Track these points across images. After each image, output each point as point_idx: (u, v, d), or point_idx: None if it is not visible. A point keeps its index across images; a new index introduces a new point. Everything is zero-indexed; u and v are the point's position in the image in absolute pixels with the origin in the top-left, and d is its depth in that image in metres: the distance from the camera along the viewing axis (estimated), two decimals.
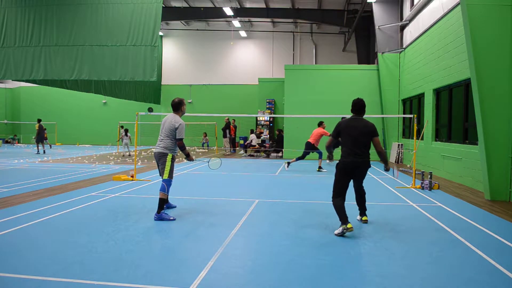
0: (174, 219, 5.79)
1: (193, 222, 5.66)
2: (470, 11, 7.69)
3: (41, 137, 19.28)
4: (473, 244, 4.70)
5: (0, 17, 13.18)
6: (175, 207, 6.63)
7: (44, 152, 19.18)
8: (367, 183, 10.09)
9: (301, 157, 12.56)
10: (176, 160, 6.06)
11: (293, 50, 25.55)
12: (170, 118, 6.03)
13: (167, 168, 5.89)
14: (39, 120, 19.94)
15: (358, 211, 5.90)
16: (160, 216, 5.78)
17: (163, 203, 5.87)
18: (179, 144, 5.94)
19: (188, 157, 6.14)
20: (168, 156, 5.92)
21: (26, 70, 12.95)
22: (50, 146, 23.34)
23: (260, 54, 26.08)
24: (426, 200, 7.70)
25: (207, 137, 23.23)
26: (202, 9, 22.60)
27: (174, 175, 6.13)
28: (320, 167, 12.75)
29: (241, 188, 9.17)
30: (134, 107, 25.00)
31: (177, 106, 6.13)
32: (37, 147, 19.32)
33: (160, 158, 5.95)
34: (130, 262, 3.96)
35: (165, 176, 5.90)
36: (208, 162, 7.01)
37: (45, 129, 20.05)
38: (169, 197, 6.47)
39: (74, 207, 6.55)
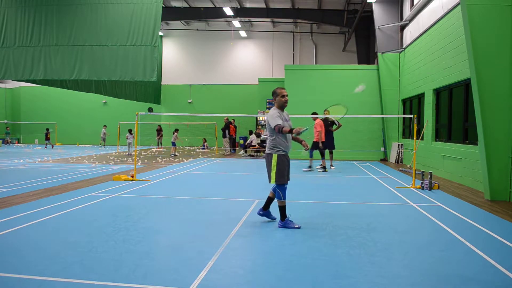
0: (299, 227, 5.33)
1: (193, 222, 5.66)
2: (470, 11, 7.69)
3: None
4: (473, 244, 4.70)
5: (0, 17, 13.18)
6: (274, 219, 5.79)
7: None
8: (367, 183, 10.13)
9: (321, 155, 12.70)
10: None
11: (293, 50, 25.56)
12: None
13: (272, 170, 5.31)
14: None
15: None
16: (284, 224, 5.40)
17: (283, 210, 5.42)
18: (277, 130, 5.20)
19: (291, 132, 5.18)
20: (272, 156, 5.33)
21: (26, 70, 12.95)
22: (49, 146, 23.33)
23: (260, 54, 26.09)
24: (426, 200, 7.69)
25: (206, 143, 23.20)
26: (202, 9, 22.62)
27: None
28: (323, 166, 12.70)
29: (241, 188, 9.17)
30: (134, 107, 25.04)
31: (272, 97, 5.55)
32: None
33: (266, 160, 5.48)
34: (130, 262, 3.96)
35: (272, 180, 5.33)
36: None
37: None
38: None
39: (74, 207, 6.54)
